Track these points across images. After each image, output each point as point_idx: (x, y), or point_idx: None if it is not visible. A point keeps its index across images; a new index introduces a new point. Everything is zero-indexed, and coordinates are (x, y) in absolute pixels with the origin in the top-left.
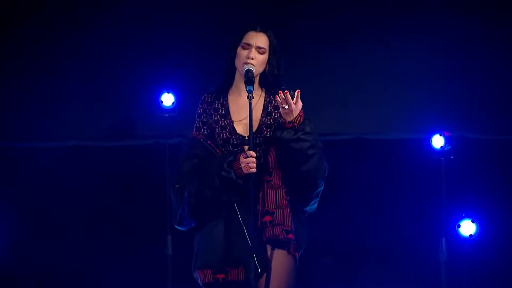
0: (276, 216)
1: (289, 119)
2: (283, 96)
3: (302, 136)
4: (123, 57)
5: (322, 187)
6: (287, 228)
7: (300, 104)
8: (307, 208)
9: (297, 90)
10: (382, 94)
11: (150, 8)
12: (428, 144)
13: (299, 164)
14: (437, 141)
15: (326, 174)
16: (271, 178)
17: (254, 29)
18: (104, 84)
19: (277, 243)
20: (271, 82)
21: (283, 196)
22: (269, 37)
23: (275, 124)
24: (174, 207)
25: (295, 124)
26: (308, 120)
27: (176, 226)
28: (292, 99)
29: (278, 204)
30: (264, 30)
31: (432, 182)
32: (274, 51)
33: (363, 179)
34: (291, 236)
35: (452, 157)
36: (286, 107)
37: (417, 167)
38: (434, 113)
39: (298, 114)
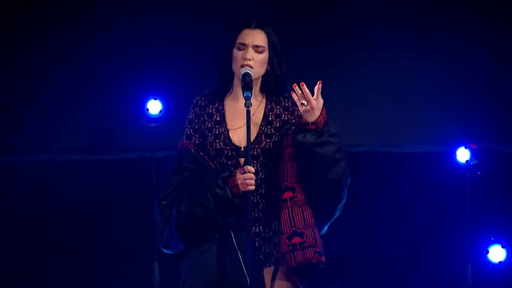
0: (307, 237)
1: (311, 119)
2: (300, 90)
3: (330, 139)
4: (104, 60)
5: (345, 199)
6: (319, 250)
7: (321, 100)
8: (324, 227)
9: (318, 82)
10: (399, 103)
11: (134, 8)
12: (452, 158)
13: (326, 171)
14: (462, 155)
15: (348, 183)
16: (295, 195)
17: (249, 26)
18: (81, 90)
19: (308, 269)
20: (273, 84)
21: (310, 214)
22: (267, 33)
23: (278, 135)
24: (161, 227)
25: (319, 124)
26: (331, 120)
27: (162, 249)
28: (312, 95)
29: (307, 222)
30: (260, 26)
31: (456, 201)
32: (274, 49)
33: (377, 197)
34: (323, 258)
35: (479, 172)
36: (305, 103)
37: (440, 184)
38: (459, 123)
39: (321, 112)
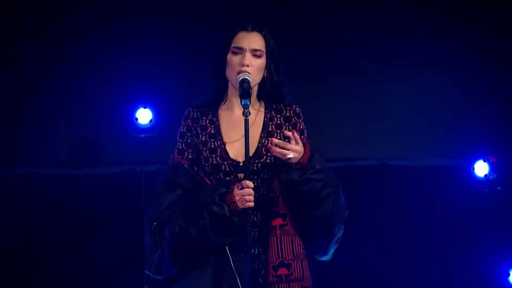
0: (294, 269)
1: (295, 161)
2: (276, 149)
3: (313, 176)
4: (90, 65)
5: (342, 232)
6: (306, 285)
7: (300, 145)
8: (324, 258)
9: (292, 132)
10: (411, 114)
11: (124, 13)
12: (470, 172)
13: (312, 209)
14: (481, 168)
15: (345, 215)
16: (285, 222)
17: (245, 29)
18: (65, 98)
19: None
20: (270, 91)
21: (300, 245)
22: (264, 36)
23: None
24: (150, 250)
25: (303, 163)
26: (317, 154)
27: (150, 274)
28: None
29: (295, 254)
30: (257, 28)
31: (474, 219)
32: (271, 53)
33: (388, 213)
34: None
35: (499, 187)
36: (292, 156)
37: (456, 200)
38: (477, 135)
39: (304, 150)
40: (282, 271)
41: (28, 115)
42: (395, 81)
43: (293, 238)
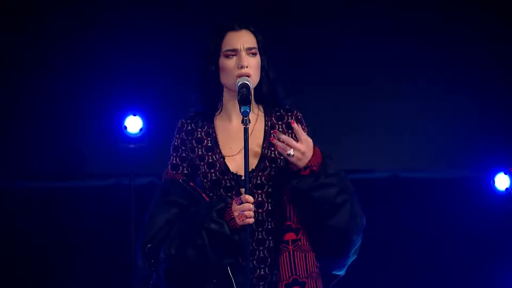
0: None
1: (302, 164)
2: (280, 141)
3: (326, 181)
4: (75, 70)
5: (360, 241)
6: None
7: (309, 140)
8: (340, 273)
9: (291, 122)
10: (427, 123)
11: (114, 16)
12: (490, 185)
13: (327, 217)
14: (502, 181)
15: (364, 223)
16: (298, 237)
17: (233, 28)
18: (48, 105)
19: None
20: (266, 91)
21: (314, 262)
22: (253, 32)
23: (283, 159)
24: (144, 273)
25: (313, 167)
26: (328, 158)
27: None
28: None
29: (309, 272)
30: (245, 26)
31: (494, 236)
32: (263, 49)
33: (401, 229)
34: None
35: None
36: (292, 153)
37: (475, 215)
38: (497, 144)
39: (313, 152)
40: None
41: (8, 123)
42: (409, 90)
43: (307, 254)
